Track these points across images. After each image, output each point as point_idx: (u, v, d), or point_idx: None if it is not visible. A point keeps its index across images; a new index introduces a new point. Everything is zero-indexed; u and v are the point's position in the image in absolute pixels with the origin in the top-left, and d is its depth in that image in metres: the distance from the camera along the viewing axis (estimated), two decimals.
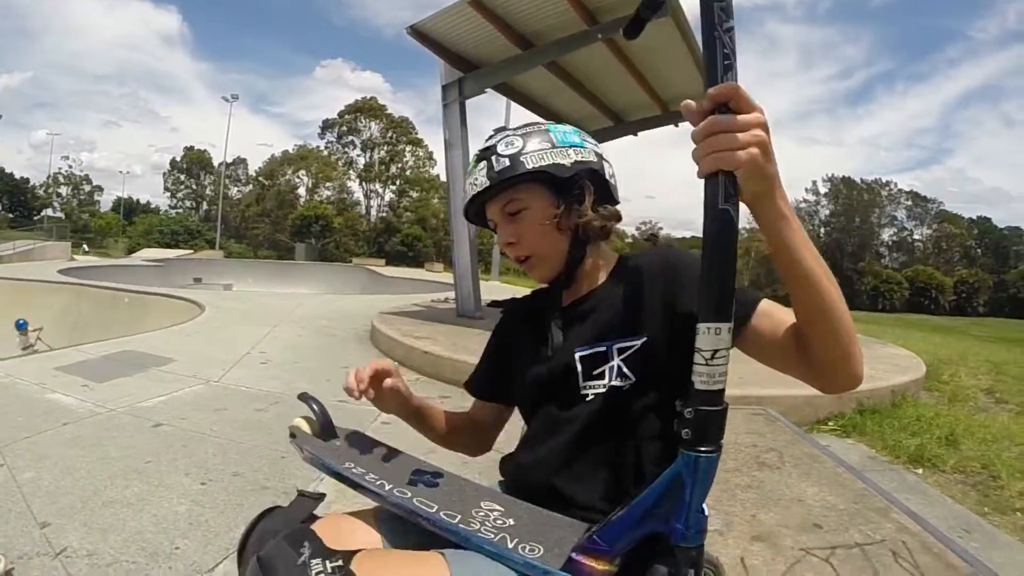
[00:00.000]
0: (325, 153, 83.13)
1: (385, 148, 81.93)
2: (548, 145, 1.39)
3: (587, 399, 1.37)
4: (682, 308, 1.27)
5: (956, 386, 7.13)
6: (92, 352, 6.62)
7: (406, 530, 1.32)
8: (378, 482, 1.24)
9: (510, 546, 1.11)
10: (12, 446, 3.79)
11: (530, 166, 1.37)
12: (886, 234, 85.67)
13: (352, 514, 1.38)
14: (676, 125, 12.03)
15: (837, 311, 1.06)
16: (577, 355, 1.39)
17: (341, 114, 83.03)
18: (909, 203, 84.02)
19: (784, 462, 3.87)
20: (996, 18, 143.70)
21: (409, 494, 1.22)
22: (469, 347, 6.47)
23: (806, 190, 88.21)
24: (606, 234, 1.48)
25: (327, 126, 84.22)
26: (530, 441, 1.51)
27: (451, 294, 11.07)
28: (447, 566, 1.12)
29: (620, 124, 12.51)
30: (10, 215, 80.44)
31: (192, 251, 49.34)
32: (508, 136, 1.42)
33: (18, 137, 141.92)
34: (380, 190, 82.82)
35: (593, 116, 11.92)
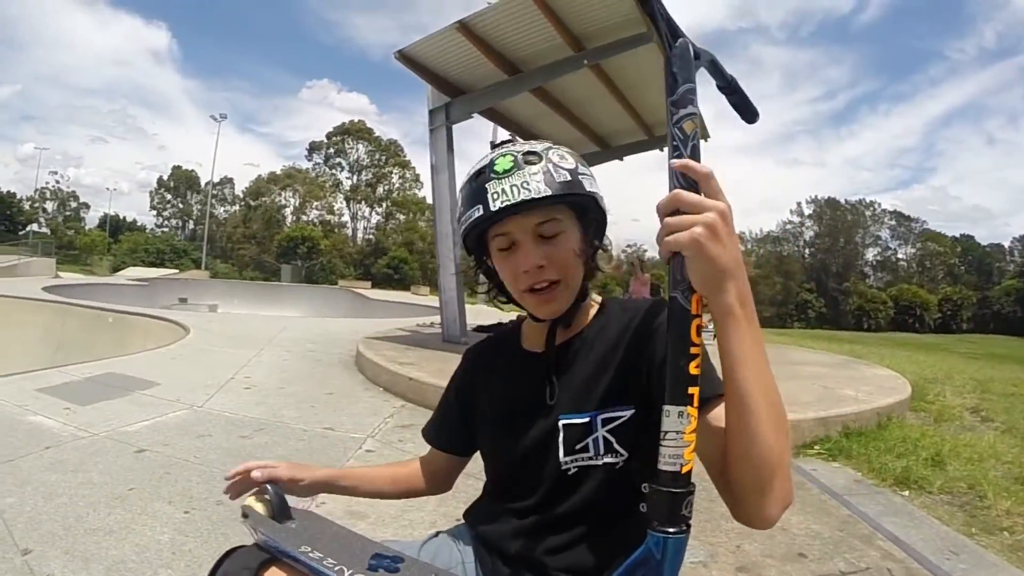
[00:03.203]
0: (312, 175, 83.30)
1: (372, 170, 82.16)
2: (589, 171, 1.27)
3: (569, 473, 1.27)
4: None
5: (942, 406, 7.15)
6: (75, 374, 6.56)
7: None
8: (336, 567, 1.13)
9: None
10: None
11: (587, 189, 1.23)
12: (870, 254, 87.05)
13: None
14: (661, 149, 12.11)
15: (761, 438, 0.94)
16: (561, 423, 1.28)
17: (329, 136, 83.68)
18: (893, 223, 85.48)
19: None
20: (973, 38, 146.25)
21: None
22: None
23: (791, 211, 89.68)
24: (596, 271, 1.37)
25: (314, 148, 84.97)
26: (503, 506, 1.39)
27: (437, 318, 11.04)
28: None
29: (606, 149, 12.63)
30: None
31: (178, 271, 49.10)
32: (553, 148, 1.26)
33: (4, 150, 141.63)
34: (367, 212, 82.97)
35: (579, 141, 11.98)
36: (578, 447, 1.25)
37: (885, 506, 3.97)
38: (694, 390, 0.92)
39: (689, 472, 0.93)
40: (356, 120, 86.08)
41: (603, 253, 1.35)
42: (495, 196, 1.20)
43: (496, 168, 1.23)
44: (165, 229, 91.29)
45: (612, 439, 1.22)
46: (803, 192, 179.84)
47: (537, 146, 1.26)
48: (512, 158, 1.23)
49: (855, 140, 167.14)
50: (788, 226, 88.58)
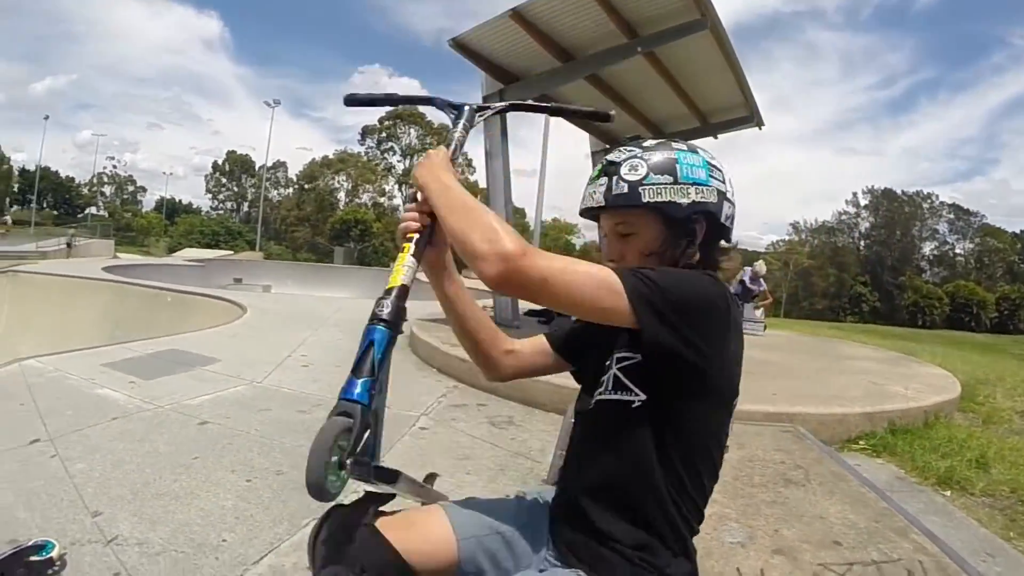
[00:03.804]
0: (365, 159, 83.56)
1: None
2: (670, 180, 1.40)
3: (590, 405, 1.46)
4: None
5: (991, 408, 7.01)
6: (138, 350, 6.76)
7: (478, 522, 1.51)
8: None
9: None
10: (64, 438, 3.93)
11: (645, 199, 1.40)
12: (927, 248, 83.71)
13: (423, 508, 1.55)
14: (716, 137, 11.99)
15: (448, 227, 1.33)
16: (605, 363, 1.46)
17: (381, 120, 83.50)
18: (951, 216, 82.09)
19: (810, 479, 3.90)
20: None
21: None
22: None
23: (846, 202, 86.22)
24: (710, 266, 1.49)
25: (367, 132, 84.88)
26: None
27: (489, 302, 11.03)
28: None
29: (661, 136, 12.40)
30: (55, 212, 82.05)
31: (232, 252, 49.75)
32: (636, 158, 1.43)
33: (63, 137, 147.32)
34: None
35: (633, 128, 11.90)
36: (601, 380, 1.45)
37: (926, 504, 3.98)
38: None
39: (391, 289, 1.33)
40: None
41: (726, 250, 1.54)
42: (583, 199, 1.51)
43: (592, 174, 1.50)
44: (220, 212, 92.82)
45: (622, 377, 1.39)
46: (859, 182, 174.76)
47: (623, 154, 1.46)
48: (601, 167, 1.48)
49: (914, 129, 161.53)
50: (843, 217, 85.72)
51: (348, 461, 1.14)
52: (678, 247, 1.43)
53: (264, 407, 4.91)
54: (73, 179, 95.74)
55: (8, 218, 60.11)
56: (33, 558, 2.38)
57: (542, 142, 23.51)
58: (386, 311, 1.30)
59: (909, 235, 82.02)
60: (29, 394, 4.85)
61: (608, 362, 1.44)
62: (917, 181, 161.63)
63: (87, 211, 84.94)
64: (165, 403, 4.81)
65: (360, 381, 1.23)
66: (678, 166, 1.41)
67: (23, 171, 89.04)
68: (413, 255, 1.40)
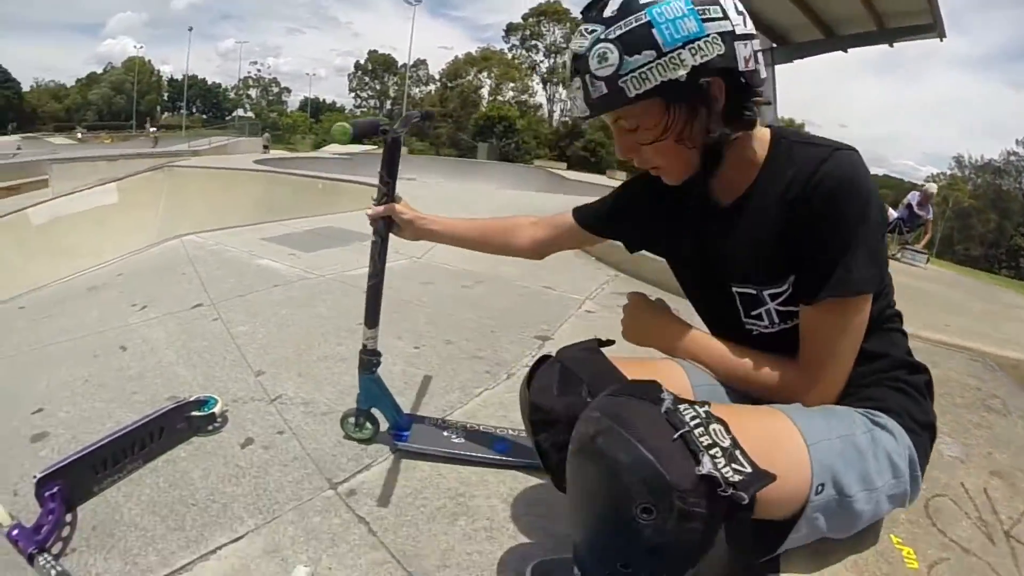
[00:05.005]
0: (508, 56, 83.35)
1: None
2: (653, 55, 1.12)
3: (753, 334, 1.41)
4: (817, 251, 1.22)
5: None
6: (295, 227, 6.89)
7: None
8: None
9: None
10: (226, 303, 3.97)
11: (633, 93, 1.16)
12: None
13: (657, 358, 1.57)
14: (891, 45, 11.09)
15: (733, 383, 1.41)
16: (735, 290, 1.39)
17: (525, 17, 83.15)
18: None
19: (1010, 411, 3.57)
20: None
21: None
22: None
23: (1017, 142, 76.75)
24: (749, 125, 1.27)
25: (511, 29, 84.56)
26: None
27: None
28: (789, 419, 1.18)
29: (831, 37, 11.59)
30: (203, 116, 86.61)
31: (376, 147, 50.70)
32: (602, 42, 1.15)
33: (206, 48, 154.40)
34: (563, 95, 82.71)
35: (803, 26, 11.14)
36: (753, 313, 1.39)
37: None
38: None
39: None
40: (552, 1, 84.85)
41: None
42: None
43: (565, 72, 1.31)
44: (363, 109, 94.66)
45: (781, 308, 1.34)
46: None
47: (586, 39, 1.18)
48: (569, 62, 1.24)
49: None
50: (1012, 158, 76.29)
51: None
52: (698, 122, 1.21)
53: (427, 280, 4.83)
54: (219, 84, 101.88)
55: (152, 128, 62.20)
56: (195, 413, 2.37)
57: None
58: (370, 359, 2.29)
59: None
60: (191, 265, 4.98)
61: (736, 290, 1.39)
62: None
63: (234, 113, 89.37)
64: (327, 273, 4.84)
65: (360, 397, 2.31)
66: (655, 31, 1.12)
67: (171, 80, 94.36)
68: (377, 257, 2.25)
